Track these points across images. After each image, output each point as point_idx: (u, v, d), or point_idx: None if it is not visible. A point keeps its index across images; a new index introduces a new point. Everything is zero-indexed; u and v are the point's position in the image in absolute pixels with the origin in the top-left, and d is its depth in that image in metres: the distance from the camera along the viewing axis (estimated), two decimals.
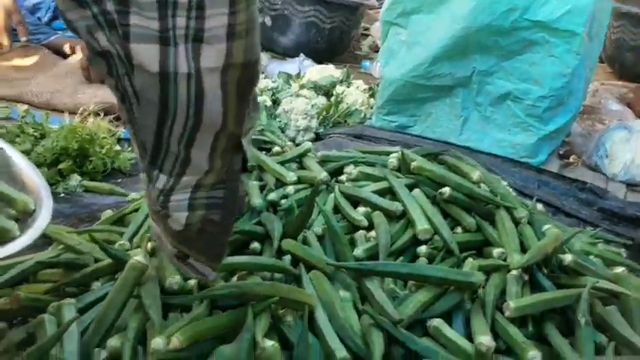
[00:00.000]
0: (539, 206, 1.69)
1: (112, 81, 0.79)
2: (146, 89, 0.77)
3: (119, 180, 1.88)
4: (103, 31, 0.75)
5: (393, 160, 1.62)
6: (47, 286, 1.15)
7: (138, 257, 1.07)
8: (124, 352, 0.97)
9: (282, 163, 1.66)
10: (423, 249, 1.34)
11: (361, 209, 1.45)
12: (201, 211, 0.87)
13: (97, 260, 1.22)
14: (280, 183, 1.59)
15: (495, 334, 1.13)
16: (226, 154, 0.83)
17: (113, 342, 1.00)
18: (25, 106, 2.17)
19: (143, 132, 0.81)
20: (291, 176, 1.58)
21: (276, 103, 2.43)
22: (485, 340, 1.06)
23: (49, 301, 1.09)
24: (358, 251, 1.29)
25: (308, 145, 1.75)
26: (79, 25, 0.75)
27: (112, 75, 0.79)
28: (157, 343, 0.91)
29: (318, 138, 2.34)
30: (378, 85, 2.60)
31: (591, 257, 1.43)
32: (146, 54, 0.75)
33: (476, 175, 1.49)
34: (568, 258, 1.31)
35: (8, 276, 1.15)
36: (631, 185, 2.18)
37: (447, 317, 1.14)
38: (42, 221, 1.01)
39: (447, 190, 1.44)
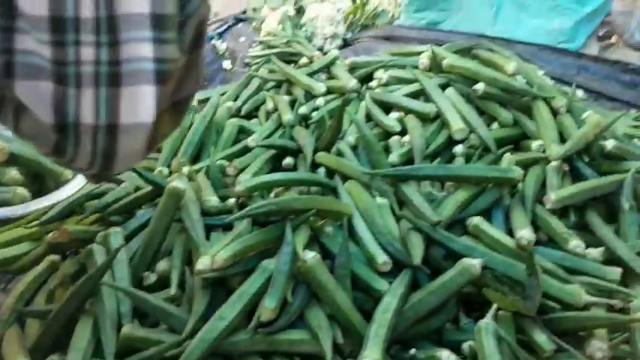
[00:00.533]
0: (580, 93, 1.63)
1: None
2: (38, 138, 0.57)
3: None
4: None
5: (423, 59, 1.57)
6: (94, 217, 1.19)
7: (175, 182, 1.09)
8: (172, 274, 1.01)
9: (310, 75, 1.64)
10: (459, 149, 1.32)
11: (394, 114, 1.43)
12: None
13: (137, 188, 1.25)
14: (310, 95, 1.58)
15: (537, 228, 1.13)
16: None
17: (161, 266, 1.04)
18: None
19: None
20: (320, 87, 1.55)
21: (300, 11, 2.36)
22: (525, 233, 1.06)
23: (97, 231, 1.13)
24: (393, 157, 1.28)
25: (335, 53, 1.71)
26: None
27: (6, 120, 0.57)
28: (202, 263, 0.93)
29: (346, 44, 2.28)
30: None
31: (635, 140, 1.39)
32: (35, 96, 0.52)
33: (511, 67, 1.43)
34: (610, 144, 1.27)
35: (55, 211, 1.18)
36: None
37: (487, 215, 1.14)
38: None
39: (480, 85, 1.40)
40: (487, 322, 0.90)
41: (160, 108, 0.55)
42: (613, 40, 2.21)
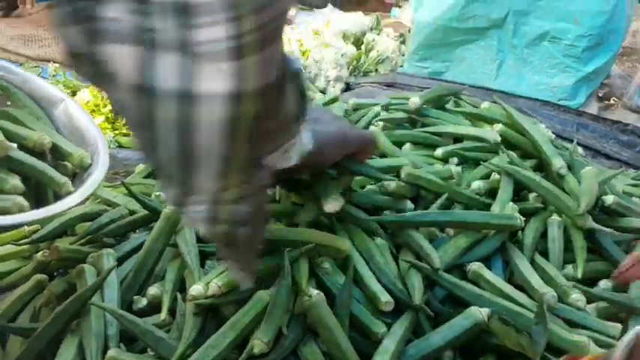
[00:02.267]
0: (579, 150, 1.64)
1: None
2: (124, 108, 0.60)
3: None
4: (75, 25, 0.57)
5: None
6: (86, 239, 1.16)
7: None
8: (164, 299, 0.98)
9: None
10: None
11: None
12: (223, 226, 0.71)
13: (132, 212, 1.23)
14: None
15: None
16: (244, 173, 0.67)
17: (153, 290, 1.01)
18: (56, 65, 2.18)
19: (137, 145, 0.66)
20: None
21: (304, 53, 2.39)
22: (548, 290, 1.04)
23: (88, 252, 1.10)
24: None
25: (335, 92, 1.72)
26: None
27: (97, 83, 0.63)
28: (196, 289, 0.91)
29: (349, 88, 2.30)
30: (409, 31, 2.54)
31: (634, 199, 1.39)
32: (120, 59, 0.56)
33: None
34: (610, 199, 1.27)
35: (46, 230, 1.16)
36: None
37: (486, 262, 1.12)
38: (97, 177, 1.02)
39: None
40: None
41: (238, 85, 0.57)
42: (612, 101, 2.25)
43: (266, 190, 0.78)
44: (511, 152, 1.37)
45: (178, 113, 0.57)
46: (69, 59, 0.60)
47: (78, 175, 1.04)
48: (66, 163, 1.04)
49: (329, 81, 2.24)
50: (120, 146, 1.76)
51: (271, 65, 0.61)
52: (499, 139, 1.41)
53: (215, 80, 0.56)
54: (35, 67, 2.27)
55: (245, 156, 0.65)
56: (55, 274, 1.14)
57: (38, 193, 0.98)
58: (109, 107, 1.85)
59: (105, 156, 1.05)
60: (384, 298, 0.97)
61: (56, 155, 1.04)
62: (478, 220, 1.16)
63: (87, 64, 0.59)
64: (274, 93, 0.65)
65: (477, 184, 1.31)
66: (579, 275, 1.13)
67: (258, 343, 0.85)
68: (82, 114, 1.14)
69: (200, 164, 0.62)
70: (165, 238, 1.06)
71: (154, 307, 1.00)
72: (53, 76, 2.05)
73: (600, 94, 2.26)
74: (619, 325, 1.03)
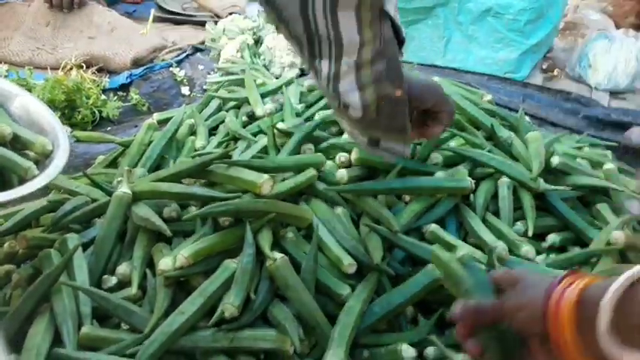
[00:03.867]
0: (526, 119, 1.71)
1: None
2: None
3: (108, 128, 1.89)
4: None
5: None
6: (52, 227, 1.17)
7: (122, 188, 1.10)
8: (133, 275, 1.00)
9: (264, 95, 1.67)
10: None
11: None
12: (370, 88, 0.93)
13: (94, 201, 1.24)
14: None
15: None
16: (374, 23, 0.87)
17: (122, 269, 1.03)
18: (6, 66, 2.16)
19: (292, 23, 0.87)
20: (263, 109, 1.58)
21: (258, 42, 2.41)
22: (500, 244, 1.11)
23: (56, 239, 1.12)
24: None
25: (291, 75, 1.75)
26: None
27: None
28: (164, 263, 0.94)
29: (303, 73, 2.33)
30: None
31: (578, 160, 1.46)
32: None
33: None
34: (556, 160, 1.34)
35: (11, 222, 1.17)
36: (614, 93, 2.20)
37: (441, 223, 1.18)
38: (59, 160, 1.03)
39: None
40: None
41: None
42: (555, 72, 2.33)
43: (396, 44, 0.95)
44: (464, 133, 1.41)
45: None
46: None
47: (40, 162, 1.04)
48: (28, 152, 1.05)
49: (283, 67, 2.27)
50: (78, 140, 1.75)
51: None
52: None
53: None
54: None
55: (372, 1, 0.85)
56: (22, 265, 1.15)
57: (2, 179, 0.99)
58: (65, 104, 1.85)
59: (65, 142, 1.06)
60: (347, 261, 1.02)
61: (17, 145, 1.05)
62: (431, 185, 1.22)
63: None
64: None
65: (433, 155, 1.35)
66: (530, 232, 1.19)
67: (229, 307, 0.88)
68: (39, 105, 1.15)
69: (344, 12, 0.84)
70: (119, 220, 1.08)
71: (122, 286, 1.02)
72: (5, 76, 2.03)
73: (544, 67, 2.34)
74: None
